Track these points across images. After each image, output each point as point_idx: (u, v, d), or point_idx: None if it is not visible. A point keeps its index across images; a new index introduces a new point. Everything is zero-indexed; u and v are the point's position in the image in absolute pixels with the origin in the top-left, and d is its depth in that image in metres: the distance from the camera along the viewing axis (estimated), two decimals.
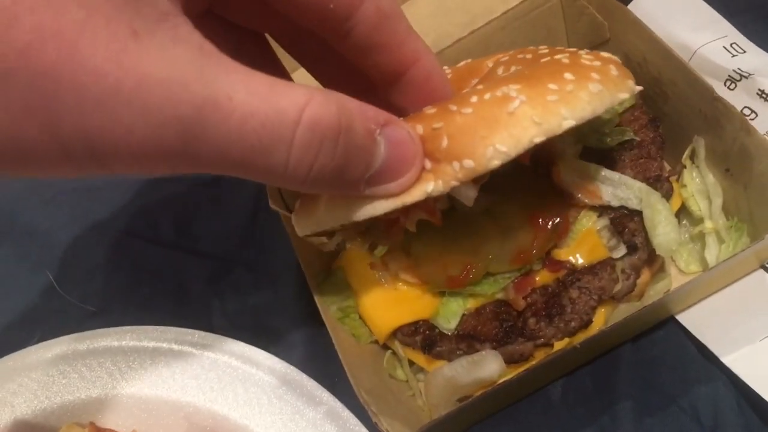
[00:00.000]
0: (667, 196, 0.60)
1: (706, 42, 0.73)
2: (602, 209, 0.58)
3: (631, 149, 0.62)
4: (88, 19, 0.31)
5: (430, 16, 0.76)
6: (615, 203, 0.58)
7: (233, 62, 0.36)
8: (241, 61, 0.36)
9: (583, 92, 0.47)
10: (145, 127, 0.33)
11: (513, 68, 0.55)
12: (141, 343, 0.65)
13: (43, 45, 0.30)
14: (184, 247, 0.78)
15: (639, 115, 0.64)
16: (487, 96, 0.47)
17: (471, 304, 0.58)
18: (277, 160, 0.37)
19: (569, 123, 0.45)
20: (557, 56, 0.53)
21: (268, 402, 0.61)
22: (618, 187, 0.58)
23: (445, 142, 0.46)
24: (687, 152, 0.65)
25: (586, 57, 0.52)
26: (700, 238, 0.64)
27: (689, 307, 0.61)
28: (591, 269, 0.57)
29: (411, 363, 0.62)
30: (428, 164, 0.46)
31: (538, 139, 0.45)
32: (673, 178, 0.63)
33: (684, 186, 0.64)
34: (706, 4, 0.76)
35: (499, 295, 0.58)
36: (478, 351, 0.57)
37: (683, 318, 0.61)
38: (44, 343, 0.66)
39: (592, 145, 0.61)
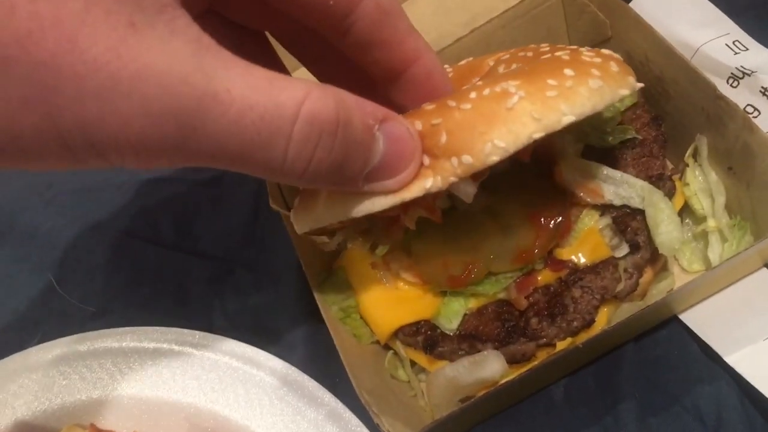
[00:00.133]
0: (670, 194, 0.59)
1: (709, 40, 0.73)
2: (604, 208, 0.58)
3: (633, 148, 0.61)
4: (86, 10, 0.31)
5: (431, 14, 0.76)
6: (617, 202, 0.58)
7: (232, 56, 0.36)
8: None
9: (582, 88, 0.47)
10: (143, 118, 0.33)
11: (514, 66, 0.55)
12: (141, 344, 0.65)
13: (43, 35, 0.30)
14: (184, 248, 0.78)
15: (641, 114, 0.64)
16: (486, 92, 0.47)
17: (473, 303, 0.58)
18: (275, 153, 0.37)
19: (569, 119, 0.45)
20: (558, 53, 0.53)
21: (269, 403, 0.61)
22: (620, 186, 0.58)
23: (443, 138, 0.46)
24: (689, 150, 0.64)
25: (586, 54, 0.52)
26: (703, 236, 0.63)
27: (692, 306, 0.61)
28: (593, 268, 0.57)
29: (413, 363, 0.62)
30: (427, 160, 0.46)
31: (537, 135, 0.45)
32: (675, 177, 0.63)
33: (687, 184, 0.64)
34: (708, 2, 0.76)
35: (501, 295, 0.58)
36: (479, 351, 0.57)
37: (686, 317, 0.60)
38: (45, 344, 0.66)
39: (594, 143, 0.61)
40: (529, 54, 0.55)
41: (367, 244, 0.62)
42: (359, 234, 0.62)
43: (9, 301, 0.77)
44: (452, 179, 0.46)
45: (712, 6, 0.76)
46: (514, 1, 0.74)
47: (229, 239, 0.78)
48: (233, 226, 0.79)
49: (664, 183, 0.59)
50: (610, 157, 0.60)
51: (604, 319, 0.58)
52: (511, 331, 0.56)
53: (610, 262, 0.57)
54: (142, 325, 0.66)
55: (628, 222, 0.58)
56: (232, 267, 0.76)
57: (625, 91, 0.49)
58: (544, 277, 0.57)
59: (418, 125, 0.47)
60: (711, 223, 0.62)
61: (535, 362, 0.57)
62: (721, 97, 0.59)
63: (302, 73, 0.57)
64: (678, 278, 0.63)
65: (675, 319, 0.61)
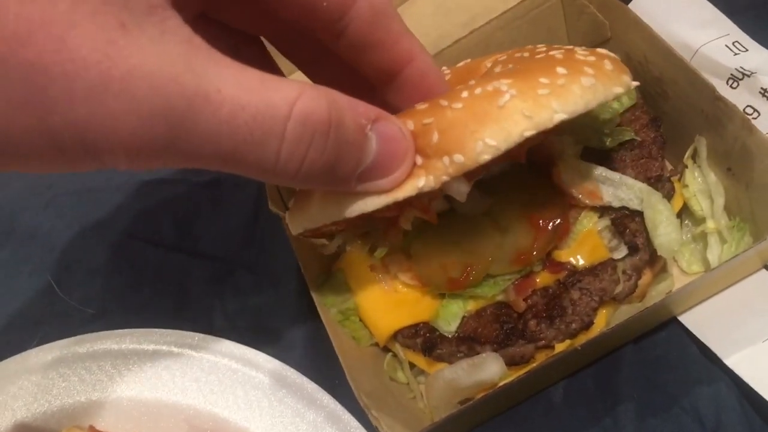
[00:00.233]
0: (669, 196, 0.59)
1: (708, 41, 0.73)
2: (603, 210, 0.58)
3: (632, 149, 0.61)
4: (75, 11, 0.31)
5: (430, 15, 0.76)
6: (616, 204, 0.58)
7: (223, 56, 0.36)
8: None
9: (575, 86, 0.47)
10: (135, 118, 0.33)
11: (510, 66, 0.55)
12: (141, 346, 0.65)
13: (31, 36, 0.30)
14: (184, 249, 0.78)
15: (640, 115, 0.63)
16: (477, 91, 0.47)
17: (471, 306, 0.58)
18: (267, 154, 0.37)
19: (560, 116, 0.45)
20: (552, 52, 0.53)
21: (268, 405, 0.61)
22: (619, 188, 0.58)
23: (435, 138, 0.46)
24: (688, 152, 0.64)
25: (581, 53, 0.52)
26: (702, 238, 0.63)
27: (691, 307, 0.61)
28: (592, 270, 0.57)
29: (412, 365, 0.62)
30: (419, 160, 0.46)
31: (528, 133, 0.45)
32: (674, 178, 0.63)
33: (686, 186, 0.64)
34: (707, 2, 0.76)
35: (500, 297, 0.58)
36: (478, 353, 0.57)
37: (685, 319, 0.60)
38: (44, 346, 0.66)
39: (593, 145, 0.61)
40: (526, 55, 0.55)
41: (365, 246, 0.62)
42: (358, 236, 0.62)
43: (9, 303, 0.77)
44: (444, 178, 0.46)
45: (711, 7, 0.76)
46: (514, 2, 0.74)
47: (229, 240, 0.78)
48: (233, 228, 0.79)
49: (663, 184, 0.59)
50: (609, 158, 0.60)
51: (603, 320, 0.58)
52: (510, 333, 0.56)
53: (609, 264, 0.57)
54: (142, 326, 0.66)
55: (626, 224, 0.57)
56: (232, 268, 0.76)
57: (620, 89, 0.49)
58: (543, 279, 0.57)
59: (410, 125, 0.47)
60: (710, 224, 0.62)
61: (534, 364, 0.57)
62: (720, 98, 0.59)
63: (298, 76, 0.56)
64: (677, 280, 0.63)
65: (674, 321, 0.61)
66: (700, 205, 0.63)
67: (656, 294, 0.61)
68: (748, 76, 0.69)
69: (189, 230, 0.80)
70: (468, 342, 0.57)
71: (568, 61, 0.49)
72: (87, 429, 0.60)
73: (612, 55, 0.53)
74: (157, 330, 0.65)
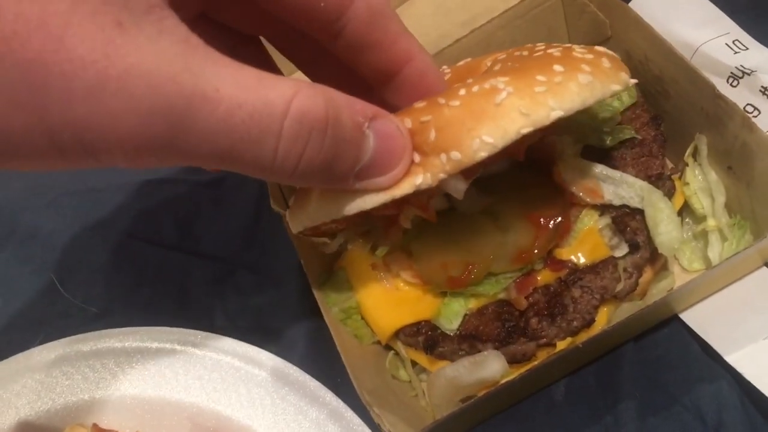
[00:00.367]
0: (669, 194, 0.60)
1: (708, 39, 0.73)
2: (604, 208, 0.58)
3: (632, 147, 0.61)
4: (73, 10, 0.31)
5: (430, 15, 0.76)
6: (616, 202, 0.58)
7: (221, 55, 0.36)
8: None
9: (572, 83, 0.47)
10: (132, 117, 0.33)
11: (509, 65, 0.55)
12: (144, 344, 0.65)
13: (29, 34, 0.30)
14: (186, 249, 0.78)
15: (640, 113, 0.64)
16: (475, 89, 0.47)
17: (473, 304, 0.58)
18: (265, 152, 0.37)
19: (557, 113, 0.45)
20: (550, 50, 0.53)
21: (271, 402, 0.61)
22: (619, 186, 0.58)
23: (432, 135, 0.46)
24: (689, 150, 0.64)
25: (578, 50, 0.52)
26: (703, 236, 0.63)
27: (692, 305, 0.61)
28: (593, 268, 0.57)
29: (413, 363, 0.62)
30: (417, 158, 0.46)
31: (525, 130, 0.45)
32: (675, 176, 0.63)
33: (686, 184, 0.64)
34: (707, 1, 0.76)
35: (501, 295, 0.58)
36: (480, 351, 0.57)
37: (686, 317, 0.60)
38: (47, 344, 0.66)
39: (593, 143, 0.61)
40: (525, 53, 0.55)
41: (367, 245, 0.62)
42: (359, 235, 0.62)
43: (12, 302, 0.77)
44: (442, 176, 0.46)
45: (711, 5, 0.76)
46: (514, 1, 0.74)
47: (230, 240, 0.78)
48: (235, 227, 0.79)
49: (664, 182, 0.60)
50: (610, 157, 0.61)
51: (604, 318, 0.58)
52: (512, 331, 0.57)
53: (610, 262, 0.57)
54: (144, 325, 0.66)
55: (627, 222, 0.58)
56: (233, 268, 0.76)
57: (617, 87, 0.49)
58: (544, 277, 0.57)
59: (408, 123, 0.47)
60: (711, 222, 0.62)
61: (536, 362, 0.57)
62: (721, 97, 0.59)
63: (298, 76, 0.57)
64: (678, 278, 0.63)
65: (675, 319, 0.61)
66: (701, 203, 0.63)
67: (657, 292, 0.62)
68: (749, 74, 0.69)
69: (190, 230, 0.80)
70: (469, 340, 0.57)
71: (566, 58, 0.50)
72: (90, 427, 0.60)
73: (610, 52, 0.53)
74: (160, 328, 0.65)
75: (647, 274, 0.59)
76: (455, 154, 0.45)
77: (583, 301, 0.56)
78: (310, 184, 0.48)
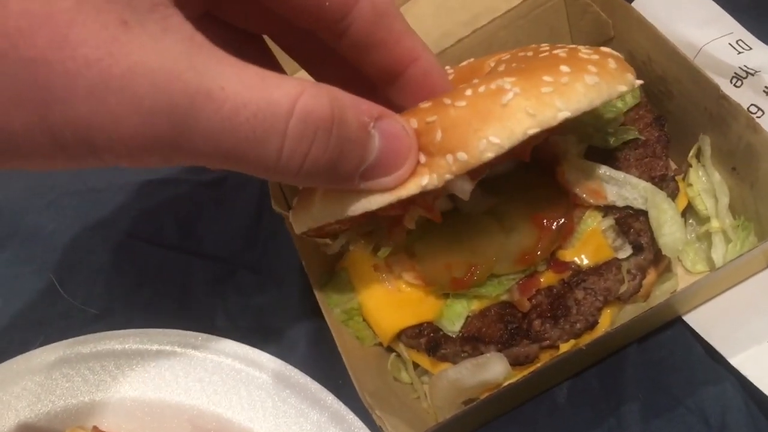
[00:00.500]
0: (673, 195, 0.59)
1: (712, 39, 0.72)
2: (607, 209, 0.58)
3: (636, 148, 0.61)
4: (77, 8, 0.31)
5: (432, 15, 0.76)
6: (620, 203, 0.58)
7: (225, 54, 0.36)
8: None
9: (578, 84, 0.46)
10: (136, 116, 0.33)
11: (514, 65, 0.55)
12: (144, 346, 0.65)
13: (33, 32, 0.30)
14: (187, 249, 0.78)
15: (644, 114, 0.63)
16: (481, 89, 0.47)
17: (475, 305, 0.58)
18: (270, 151, 0.37)
19: (564, 114, 0.45)
20: (555, 51, 0.52)
21: (272, 405, 0.61)
22: (623, 187, 0.58)
23: (439, 136, 0.46)
24: (693, 151, 0.64)
25: (584, 51, 0.52)
26: (707, 237, 0.63)
27: (696, 307, 0.60)
28: (596, 270, 0.57)
29: (415, 365, 0.62)
30: (423, 158, 0.46)
31: (532, 131, 0.44)
32: (679, 177, 0.63)
33: (690, 185, 0.64)
34: (711, 1, 0.76)
35: (504, 297, 0.57)
36: (482, 353, 0.57)
37: (690, 318, 0.60)
38: (47, 346, 0.66)
39: (597, 144, 0.61)
40: (529, 54, 0.55)
41: (369, 246, 0.61)
42: (362, 236, 0.62)
43: (12, 303, 0.77)
44: (448, 176, 0.45)
45: (715, 5, 0.76)
46: (516, 1, 0.74)
47: (231, 241, 0.78)
48: (236, 228, 0.79)
49: (667, 184, 0.59)
50: (613, 157, 0.60)
51: (608, 320, 0.58)
52: (514, 333, 0.56)
53: (613, 264, 0.57)
54: (145, 326, 0.66)
55: (631, 223, 0.57)
56: (234, 268, 0.76)
57: (623, 88, 0.49)
58: (547, 278, 0.57)
59: (414, 123, 0.47)
60: (714, 223, 0.62)
61: (538, 364, 0.56)
62: (725, 97, 0.59)
63: (301, 76, 0.56)
64: (681, 279, 0.63)
65: (679, 321, 0.61)
66: (705, 205, 0.63)
67: (660, 294, 0.61)
68: (752, 74, 0.69)
69: (191, 230, 0.80)
70: (472, 342, 0.57)
71: (572, 59, 0.49)
72: (90, 429, 0.60)
73: (616, 53, 0.53)
74: (160, 330, 0.65)
75: (651, 275, 0.59)
76: (462, 155, 0.45)
77: (586, 303, 0.56)
78: (315, 184, 0.47)
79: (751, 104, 0.68)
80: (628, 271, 0.57)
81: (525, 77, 0.46)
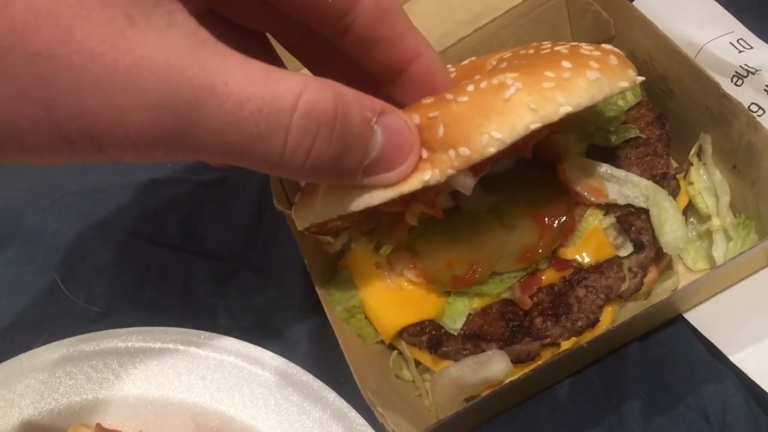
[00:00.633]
0: (674, 193, 0.59)
1: (713, 38, 0.73)
2: (608, 207, 0.58)
3: (637, 147, 0.61)
4: (82, 3, 0.31)
5: (433, 14, 0.76)
6: (621, 201, 0.58)
7: (229, 49, 0.36)
8: None
9: (580, 79, 0.47)
10: (141, 110, 0.33)
11: (515, 62, 0.55)
12: (147, 344, 0.65)
13: (39, 26, 0.30)
14: (189, 249, 0.78)
15: (645, 113, 0.63)
16: (483, 84, 0.47)
17: (477, 303, 0.58)
18: (273, 146, 0.37)
19: (566, 109, 0.45)
20: (557, 48, 0.53)
21: (274, 402, 0.61)
22: (624, 185, 0.58)
23: (441, 131, 0.46)
24: (694, 149, 0.64)
25: (586, 48, 0.52)
26: (708, 235, 0.63)
27: (697, 305, 0.61)
28: (598, 268, 0.57)
29: (417, 363, 0.62)
30: (425, 153, 0.46)
31: (534, 126, 0.45)
32: (680, 176, 0.63)
33: (691, 183, 0.64)
34: (712, 0, 0.76)
35: (506, 295, 0.58)
36: (484, 351, 0.57)
37: (691, 316, 0.60)
38: (51, 344, 0.66)
39: (598, 142, 0.61)
40: (531, 52, 0.55)
41: (371, 244, 0.62)
42: (363, 234, 0.62)
43: (15, 302, 0.77)
44: (450, 172, 0.46)
45: (716, 4, 0.76)
46: (517, 0, 0.74)
47: (233, 240, 0.78)
48: (238, 227, 0.79)
49: (669, 182, 0.59)
50: (614, 156, 0.60)
51: (609, 318, 0.58)
52: (516, 331, 0.56)
53: (615, 262, 0.57)
54: (147, 325, 0.66)
55: (632, 221, 0.57)
56: (236, 267, 0.76)
57: (625, 84, 0.49)
58: (549, 276, 0.57)
59: (416, 118, 0.47)
60: (715, 221, 0.62)
61: (540, 362, 0.57)
62: (726, 96, 0.59)
63: (304, 73, 0.57)
64: (682, 277, 0.63)
65: (680, 318, 0.61)
66: (706, 203, 0.63)
67: (662, 291, 0.61)
68: (753, 73, 0.69)
69: (193, 230, 0.80)
70: (474, 339, 0.57)
71: (574, 55, 0.50)
72: (94, 427, 0.60)
73: (617, 50, 0.53)
74: (163, 328, 0.65)
75: (652, 273, 0.59)
76: (464, 150, 0.45)
77: (588, 301, 0.56)
78: (319, 179, 0.47)
79: (752, 103, 0.68)
80: (630, 269, 0.57)
81: (527, 73, 0.47)
